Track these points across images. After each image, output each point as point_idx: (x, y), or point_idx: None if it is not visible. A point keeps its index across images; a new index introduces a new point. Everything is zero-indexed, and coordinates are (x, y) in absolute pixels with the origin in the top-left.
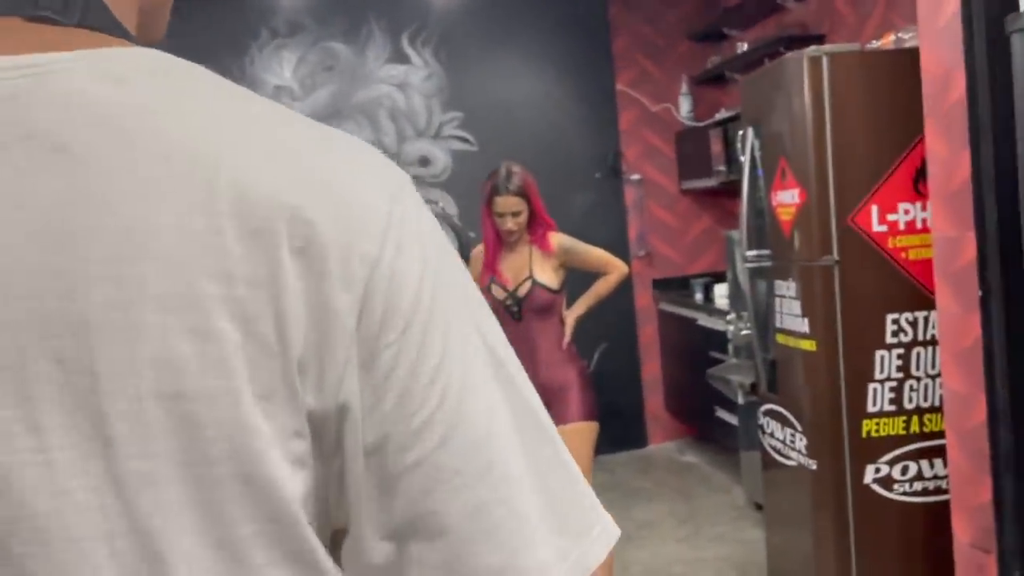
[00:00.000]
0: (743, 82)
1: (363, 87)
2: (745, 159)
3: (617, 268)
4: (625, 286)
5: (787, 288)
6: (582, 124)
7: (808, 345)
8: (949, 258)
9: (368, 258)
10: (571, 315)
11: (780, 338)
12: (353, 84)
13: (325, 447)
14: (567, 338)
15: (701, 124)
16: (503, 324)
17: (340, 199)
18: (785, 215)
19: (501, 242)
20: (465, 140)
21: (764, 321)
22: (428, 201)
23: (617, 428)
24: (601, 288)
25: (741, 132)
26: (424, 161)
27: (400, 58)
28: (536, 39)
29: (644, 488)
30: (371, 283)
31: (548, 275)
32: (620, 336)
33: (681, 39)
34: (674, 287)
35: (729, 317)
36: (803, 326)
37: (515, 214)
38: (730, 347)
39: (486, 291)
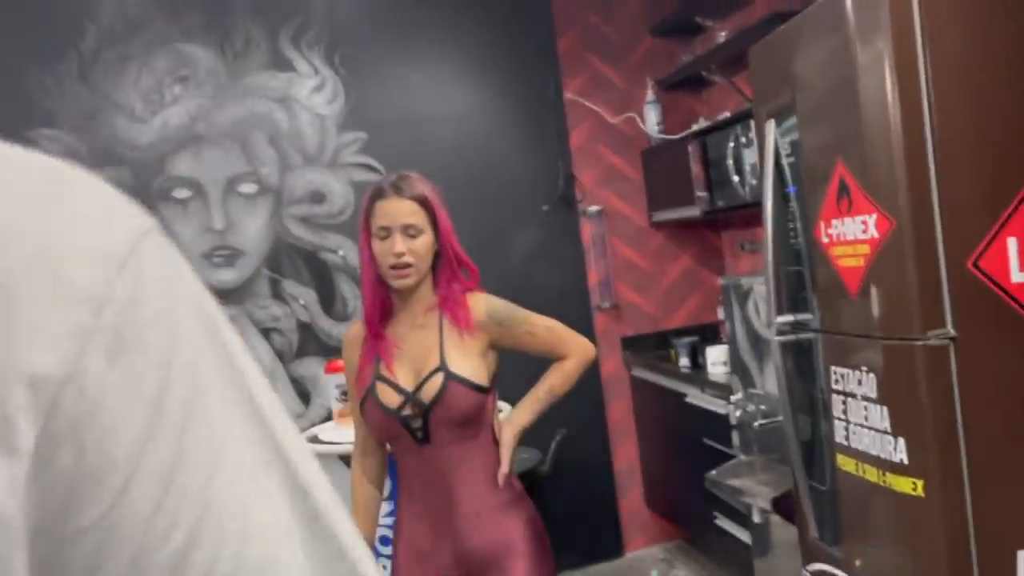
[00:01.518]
0: (752, 54)
1: (231, 103)
2: (766, 169)
3: (577, 350)
4: None
5: (857, 381)
6: (523, 143)
7: (904, 484)
8: None
9: (44, 382)
10: (509, 428)
11: (845, 463)
12: (217, 99)
13: None
14: (504, 467)
15: (674, 137)
16: (400, 452)
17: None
18: (849, 258)
19: (389, 299)
20: (370, 168)
21: (811, 430)
22: (325, 250)
23: (584, 535)
24: (556, 381)
25: (738, 139)
26: (317, 197)
27: (281, 64)
28: (460, 38)
29: None
30: (50, 424)
31: (470, 363)
32: (584, 416)
33: (643, 34)
34: (649, 346)
35: (735, 398)
36: (893, 448)
37: (408, 231)
38: (735, 435)
39: (367, 398)
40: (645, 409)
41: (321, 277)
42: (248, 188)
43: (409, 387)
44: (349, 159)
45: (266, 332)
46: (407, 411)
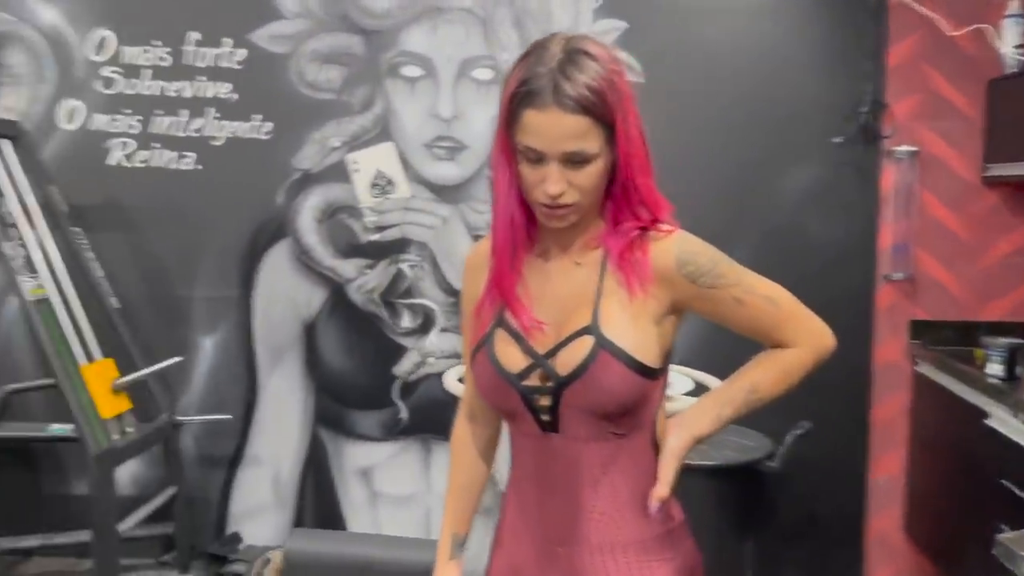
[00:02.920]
0: None
1: None
2: None
3: (809, 337)
4: (858, 330)
5: None
6: (821, 54)
7: None
8: None
9: None
10: (679, 433)
11: None
12: None
13: None
14: (661, 488)
15: None
16: (516, 435)
17: None
18: None
19: (531, 231)
20: (629, 67)
21: None
22: None
23: (813, 553)
24: (765, 377)
25: None
26: None
27: None
28: None
29: None
30: None
31: (636, 330)
32: (837, 408)
33: None
34: (947, 338)
35: None
36: None
37: (571, 159)
38: None
39: (480, 348)
40: (927, 417)
41: None
42: (483, 74)
43: (540, 347)
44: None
45: (477, 239)
46: (532, 380)
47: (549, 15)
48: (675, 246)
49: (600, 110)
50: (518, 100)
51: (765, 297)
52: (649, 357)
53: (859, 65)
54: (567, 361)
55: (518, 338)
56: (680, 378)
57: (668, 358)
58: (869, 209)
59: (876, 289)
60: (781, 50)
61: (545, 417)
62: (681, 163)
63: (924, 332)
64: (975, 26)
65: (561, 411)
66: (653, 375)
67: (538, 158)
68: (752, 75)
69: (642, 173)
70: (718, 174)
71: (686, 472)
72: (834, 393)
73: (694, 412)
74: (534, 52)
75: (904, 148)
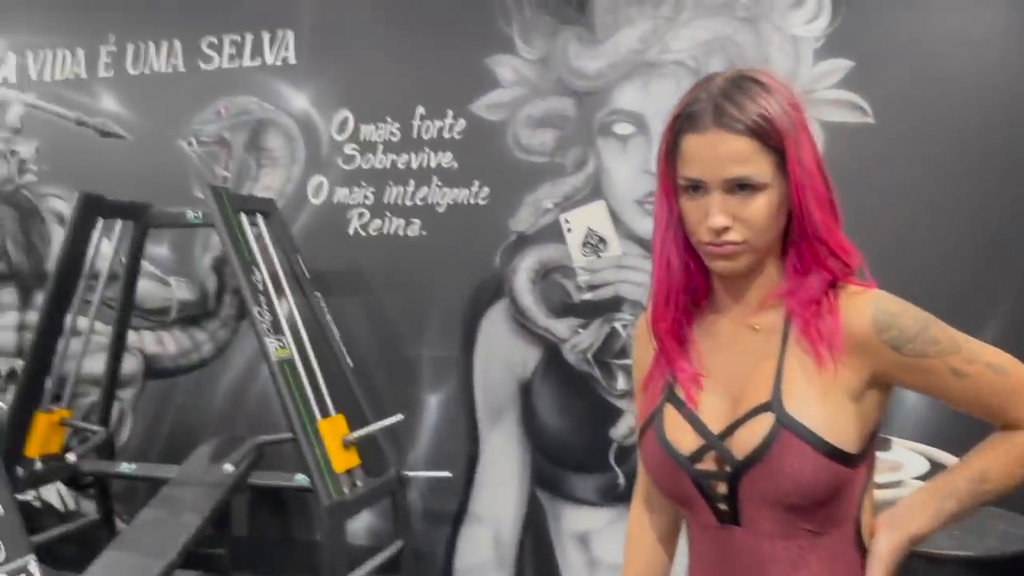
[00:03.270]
0: None
1: (691, 23)
2: None
3: None
4: None
5: None
6: None
7: None
8: None
9: None
10: (889, 534)
11: None
12: (675, 19)
13: None
14: None
15: None
16: (692, 526)
17: None
18: None
19: (702, 279)
20: (853, 105)
21: None
22: None
23: None
24: (996, 465)
25: None
26: None
27: None
28: None
29: None
30: None
31: (827, 408)
32: None
33: None
34: None
35: None
36: None
37: (737, 188)
38: None
39: (648, 426)
40: None
41: None
42: None
43: (715, 426)
44: (825, 94)
45: None
46: (706, 464)
47: (767, 59)
48: (871, 306)
49: (768, 133)
50: (677, 127)
51: (991, 366)
52: (844, 439)
53: None
54: (744, 443)
55: (690, 416)
56: (913, 457)
57: (873, 441)
58: None
59: None
60: None
61: (723, 506)
62: (923, 213)
63: None
64: None
65: (741, 500)
66: (851, 461)
67: (699, 189)
68: (1003, 109)
69: (823, 211)
70: (968, 220)
71: (933, 563)
72: None
73: (909, 506)
74: (699, 84)
75: None
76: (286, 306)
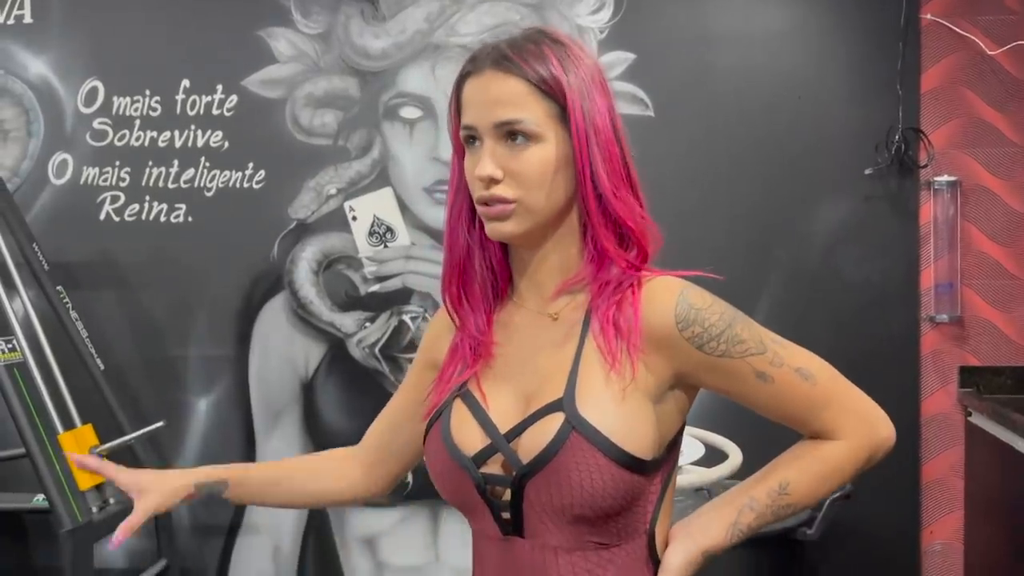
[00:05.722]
0: None
1: (478, 7)
2: None
3: (858, 426)
4: (903, 379)
5: None
6: (847, 80)
7: None
8: None
9: None
10: (684, 546)
11: None
12: (462, 2)
13: None
14: None
15: None
16: (475, 534)
17: None
18: None
19: (498, 257)
20: (635, 98)
21: None
22: None
23: None
24: (801, 477)
25: None
26: None
27: None
28: None
29: None
30: None
31: (623, 409)
32: (881, 467)
33: None
34: (1004, 386)
35: None
36: None
37: (508, 133)
38: None
39: (434, 422)
40: (985, 474)
41: None
42: None
43: (503, 425)
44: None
45: None
46: (491, 467)
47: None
48: (674, 299)
49: (545, 80)
50: (461, 75)
51: (799, 371)
52: (639, 446)
53: (889, 90)
54: (531, 444)
55: (478, 412)
56: (691, 442)
57: (673, 448)
58: (908, 245)
59: (920, 333)
60: (802, 77)
61: (506, 515)
62: (696, 203)
63: (976, 379)
64: (1016, 43)
65: (525, 509)
66: (646, 469)
67: (473, 138)
68: (772, 106)
69: (614, 176)
70: (738, 214)
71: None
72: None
73: (705, 518)
74: (479, 48)
75: (944, 178)
76: (19, 303)
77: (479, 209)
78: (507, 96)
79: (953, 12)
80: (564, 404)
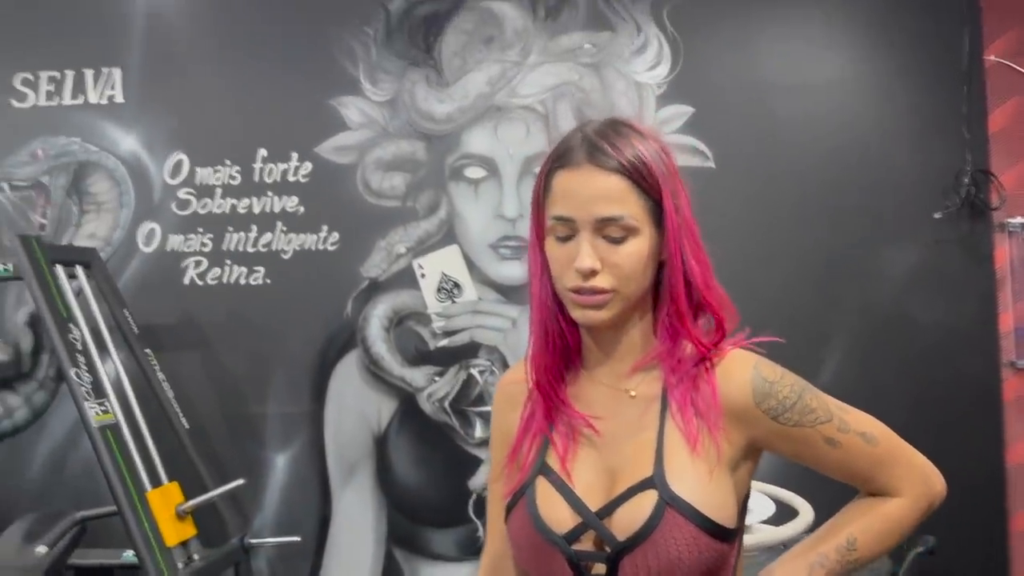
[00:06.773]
0: None
1: (538, 68)
2: None
3: (914, 484)
4: (986, 427)
5: None
6: (911, 124)
7: None
8: None
9: None
10: None
11: None
12: (522, 64)
13: None
14: None
15: None
16: None
17: None
18: None
19: (574, 335)
20: (695, 150)
21: None
22: None
23: None
24: (866, 532)
25: None
26: None
27: (598, 22)
28: None
29: None
30: None
31: (709, 482)
32: (965, 519)
33: None
34: None
35: None
36: None
37: (606, 229)
38: None
39: (517, 501)
40: None
41: None
42: None
43: (593, 503)
44: (668, 139)
45: None
46: (584, 545)
47: (613, 104)
48: (749, 374)
49: (642, 175)
50: (549, 166)
51: (863, 435)
52: (726, 515)
53: (955, 133)
54: (626, 522)
55: (565, 490)
56: (759, 498)
57: (744, 513)
58: (984, 289)
59: (1002, 379)
60: (868, 121)
61: None
62: (762, 252)
63: None
64: None
65: None
66: (730, 537)
67: (568, 231)
68: (835, 153)
69: (701, 264)
70: (806, 263)
71: None
72: (963, 500)
73: (779, 574)
74: (575, 128)
75: (1018, 220)
76: (111, 365)
77: (571, 296)
78: (609, 192)
79: (1017, 52)
80: (655, 481)
